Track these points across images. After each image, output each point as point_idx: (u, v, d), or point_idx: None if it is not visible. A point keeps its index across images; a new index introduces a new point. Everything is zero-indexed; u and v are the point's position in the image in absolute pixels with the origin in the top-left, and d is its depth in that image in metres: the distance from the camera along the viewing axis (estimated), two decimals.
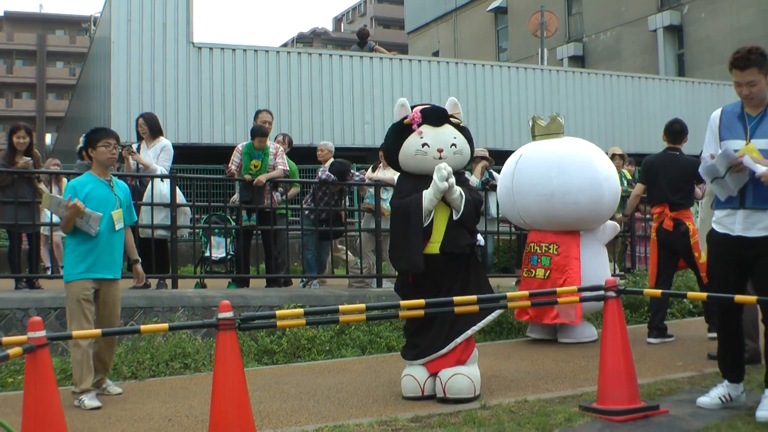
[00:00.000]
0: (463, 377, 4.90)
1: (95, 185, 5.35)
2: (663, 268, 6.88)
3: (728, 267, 4.52)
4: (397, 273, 5.40)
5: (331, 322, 6.11)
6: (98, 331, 4.38)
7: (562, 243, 6.85)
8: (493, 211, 9.41)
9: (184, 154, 12.54)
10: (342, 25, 77.51)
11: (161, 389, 5.67)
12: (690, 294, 5.28)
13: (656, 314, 6.96)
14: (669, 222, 6.80)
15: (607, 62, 26.67)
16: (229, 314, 3.74)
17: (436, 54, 31.40)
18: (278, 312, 4.01)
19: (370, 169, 9.77)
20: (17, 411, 3.81)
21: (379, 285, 8.68)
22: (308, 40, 67.93)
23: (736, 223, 4.43)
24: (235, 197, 8.96)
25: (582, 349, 6.70)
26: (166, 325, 3.99)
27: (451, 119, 5.14)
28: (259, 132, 8.44)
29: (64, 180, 8.69)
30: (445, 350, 4.98)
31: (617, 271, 9.70)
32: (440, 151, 5.02)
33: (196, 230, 9.17)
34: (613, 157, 9.82)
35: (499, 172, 8.09)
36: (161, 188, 8.07)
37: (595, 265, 6.89)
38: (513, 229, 9.52)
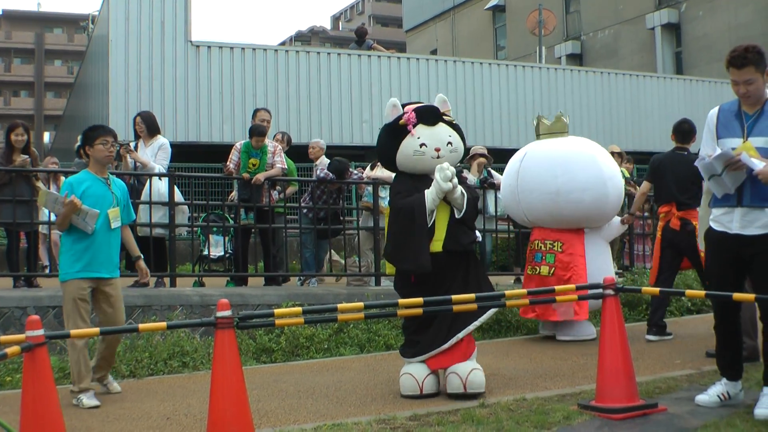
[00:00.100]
0: (480, 372, 4.95)
1: (92, 183, 5.32)
2: (665, 266, 6.89)
3: (726, 265, 4.52)
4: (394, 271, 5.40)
5: (330, 320, 6.12)
6: (96, 330, 4.37)
7: (567, 240, 6.89)
8: (491, 209, 9.41)
9: (182, 152, 12.51)
10: (340, 23, 77.41)
11: (159, 388, 5.67)
12: (688, 292, 5.29)
13: (656, 311, 6.98)
14: (676, 221, 6.82)
15: (605, 60, 26.65)
16: (227, 313, 3.74)
17: (434, 52, 31.35)
18: (277, 310, 4.00)
19: (368, 168, 9.77)
20: (15, 410, 3.81)
21: (378, 283, 8.67)
22: (306, 38, 67.87)
23: (733, 221, 4.43)
24: (234, 196, 8.95)
25: (580, 347, 6.70)
26: (164, 324, 3.99)
27: (443, 117, 5.15)
28: (257, 130, 8.44)
29: (62, 179, 8.65)
30: (446, 345, 4.99)
31: (616, 269, 9.69)
32: (438, 150, 5.04)
33: (195, 229, 9.17)
34: (611, 155, 9.81)
35: (497, 170, 8.11)
36: (159, 187, 8.06)
37: (599, 263, 6.93)
38: (511, 227, 9.52)
